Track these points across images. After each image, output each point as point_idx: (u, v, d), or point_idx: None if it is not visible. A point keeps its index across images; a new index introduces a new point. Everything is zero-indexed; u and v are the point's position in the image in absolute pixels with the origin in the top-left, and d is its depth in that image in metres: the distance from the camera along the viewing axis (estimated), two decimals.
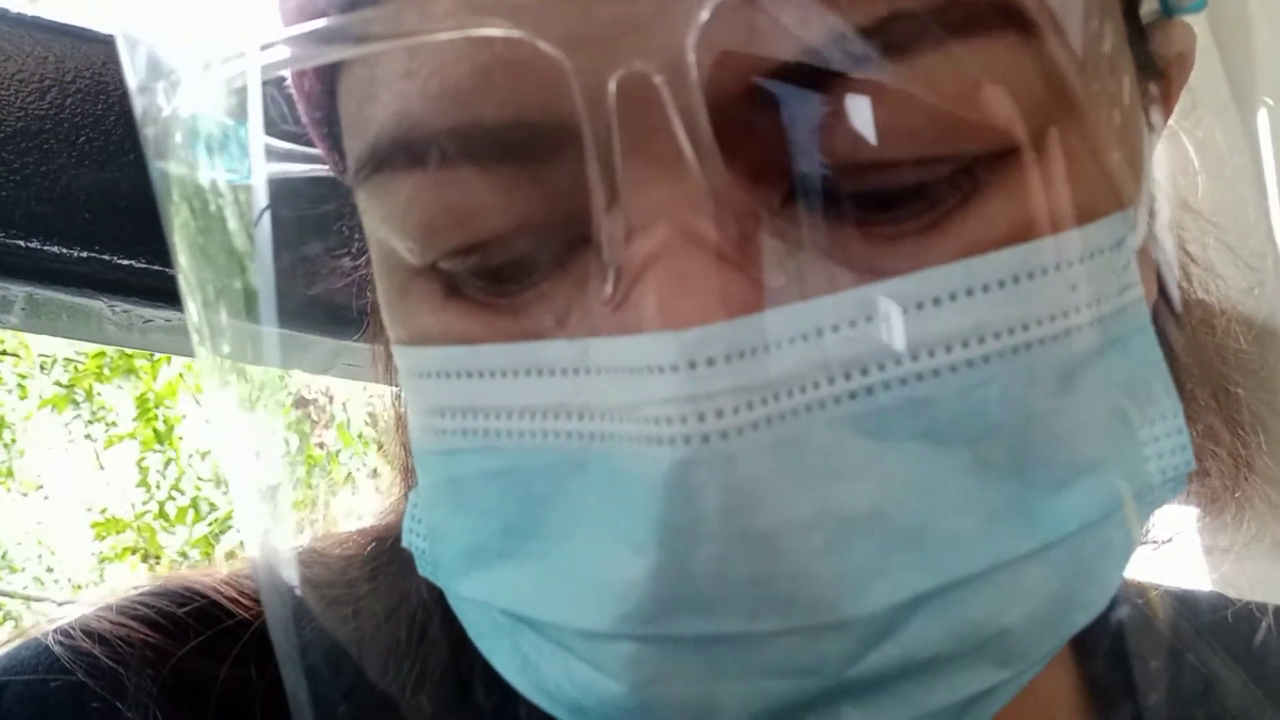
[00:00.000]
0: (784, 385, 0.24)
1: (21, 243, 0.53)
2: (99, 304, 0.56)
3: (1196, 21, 0.31)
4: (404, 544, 0.34)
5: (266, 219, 0.29)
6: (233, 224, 0.29)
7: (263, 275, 0.29)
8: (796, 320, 0.24)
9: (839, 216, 0.25)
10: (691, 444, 0.23)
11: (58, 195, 0.53)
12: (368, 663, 0.35)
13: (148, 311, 0.56)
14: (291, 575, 0.33)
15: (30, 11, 0.55)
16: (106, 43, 0.55)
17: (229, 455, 0.32)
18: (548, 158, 0.25)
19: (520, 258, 0.27)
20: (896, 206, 0.25)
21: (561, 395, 0.26)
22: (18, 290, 0.55)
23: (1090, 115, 0.26)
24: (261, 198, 0.29)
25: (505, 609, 0.29)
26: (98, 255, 0.54)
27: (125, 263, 0.54)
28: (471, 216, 0.26)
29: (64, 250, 0.53)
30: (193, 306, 0.30)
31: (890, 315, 0.24)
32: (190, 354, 0.66)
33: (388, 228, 0.28)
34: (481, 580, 0.30)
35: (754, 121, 0.24)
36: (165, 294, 0.55)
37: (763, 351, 0.24)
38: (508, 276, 0.28)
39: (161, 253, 0.55)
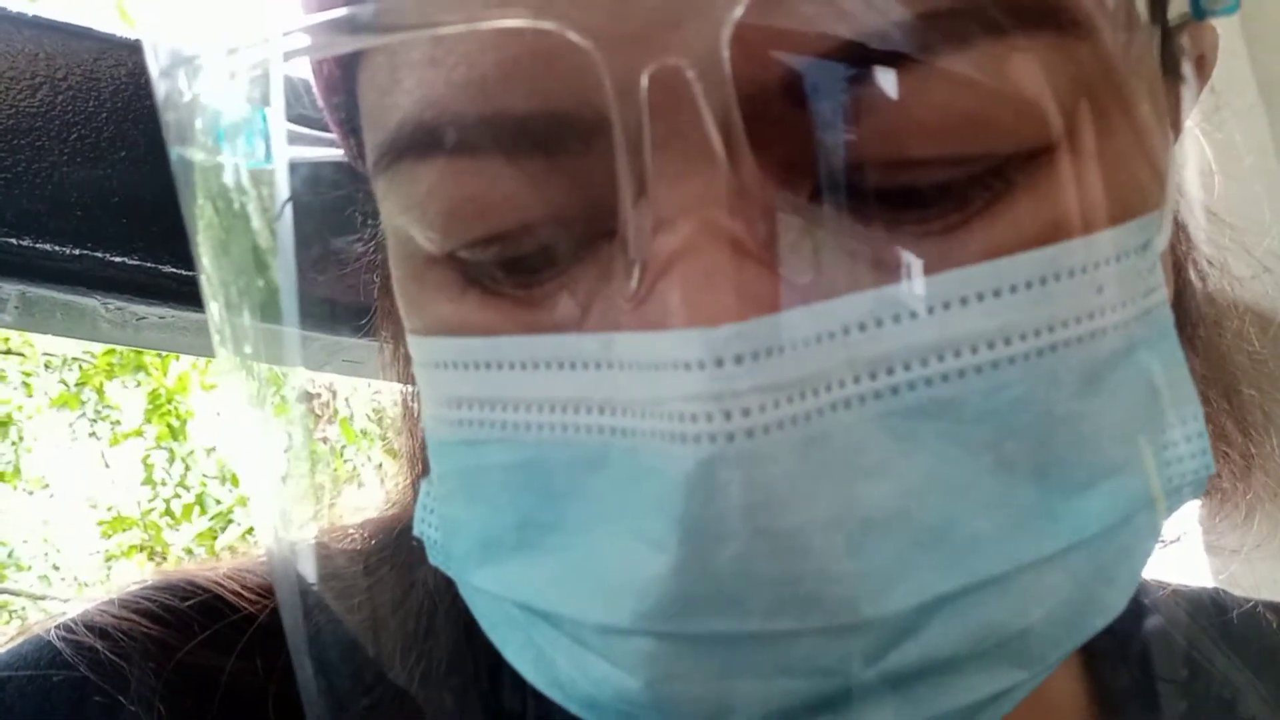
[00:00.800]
0: (810, 384, 0.23)
1: (14, 240, 0.52)
2: (93, 302, 0.55)
3: (1218, 23, 0.31)
4: (415, 533, 0.34)
5: (287, 211, 0.29)
6: (238, 218, 0.29)
7: (262, 270, 0.29)
8: (823, 318, 0.24)
9: (868, 214, 0.25)
10: (717, 442, 0.23)
11: (49, 193, 0.53)
12: (377, 653, 0.35)
13: (141, 309, 0.56)
14: (308, 566, 0.33)
15: (23, 8, 0.54)
16: (98, 39, 0.55)
17: (244, 450, 0.32)
18: (574, 150, 0.25)
19: (542, 249, 0.27)
20: (926, 205, 0.25)
21: (583, 389, 0.26)
22: (10, 289, 0.54)
23: (1121, 117, 0.26)
24: (281, 192, 0.29)
25: (520, 602, 0.29)
26: (90, 253, 0.53)
27: (118, 260, 0.54)
28: (494, 207, 0.26)
29: (56, 248, 0.53)
30: (214, 304, 0.30)
31: (917, 314, 0.24)
32: (185, 350, 0.66)
33: (408, 217, 0.28)
34: (496, 573, 0.30)
35: (785, 117, 0.24)
36: (159, 291, 0.55)
37: (790, 350, 0.23)
38: (529, 268, 0.27)
39: (155, 250, 0.55)
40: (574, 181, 0.25)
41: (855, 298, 0.24)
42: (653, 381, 0.24)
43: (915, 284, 0.24)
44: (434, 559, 0.33)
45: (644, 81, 0.23)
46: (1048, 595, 0.26)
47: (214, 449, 3.63)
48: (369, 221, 0.36)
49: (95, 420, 3.69)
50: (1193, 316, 0.35)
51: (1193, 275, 0.36)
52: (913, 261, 0.25)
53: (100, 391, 3.62)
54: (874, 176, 0.24)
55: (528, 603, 0.29)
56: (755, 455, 0.23)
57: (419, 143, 0.26)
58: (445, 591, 0.35)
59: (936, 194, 0.25)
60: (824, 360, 0.24)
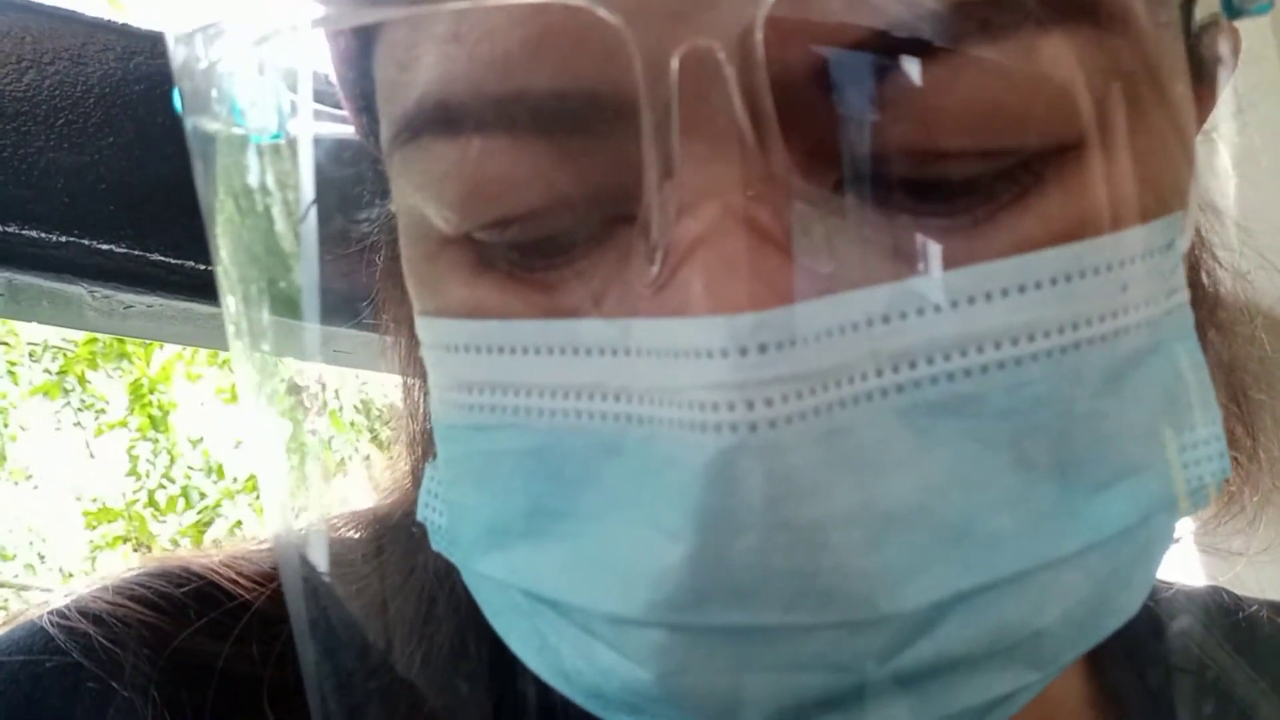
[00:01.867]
0: (832, 375, 0.23)
1: None
2: (79, 289, 0.55)
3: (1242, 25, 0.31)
4: (419, 518, 0.33)
5: (302, 194, 0.28)
6: (249, 198, 0.29)
7: (273, 253, 0.29)
8: (846, 309, 0.23)
9: (895, 205, 0.25)
10: (739, 432, 0.23)
11: (35, 178, 0.52)
12: (379, 639, 0.35)
13: (128, 297, 0.55)
14: (314, 552, 0.32)
15: None
16: (86, 23, 0.54)
17: (254, 438, 0.32)
18: (598, 130, 0.24)
19: (560, 233, 0.27)
20: (953, 197, 0.25)
21: (599, 375, 0.26)
22: None
23: (1152, 114, 0.26)
24: (305, 179, 0.29)
25: (527, 590, 0.28)
26: (77, 240, 0.53)
27: (105, 247, 0.53)
28: (513, 188, 0.26)
29: (42, 235, 0.52)
30: (230, 297, 0.30)
31: (941, 308, 0.24)
32: (173, 339, 0.66)
33: (423, 195, 0.28)
34: (503, 559, 0.29)
35: (816, 104, 0.23)
36: (146, 279, 0.54)
37: (812, 340, 0.23)
38: (546, 251, 0.27)
39: (142, 237, 0.54)
40: (597, 163, 0.25)
41: (878, 289, 0.24)
42: (672, 369, 0.24)
43: (940, 277, 0.24)
44: (437, 545, 0.32)
45: (674, 62, 0.22)
46: (1064, 595, 0.26)
47: (200, 440, 3.61)
48: (376, 202, 0.35)
49: (80, 410, 3.66)
50: (1204, 318, 0.34)
51: (1204, 278, 0.36)
52: (937, 254, 0.24)
53: (82, 380, 3.59)
54: (903, 167, 0.24)
55: (535, 590, 0.28)
56: (776, 446, 0.23)
57: (439, 120, 0.26)
58: (447, 578, 0.35)
59: (964, 186, 0.24)
60: (846, 352, 0.23)
